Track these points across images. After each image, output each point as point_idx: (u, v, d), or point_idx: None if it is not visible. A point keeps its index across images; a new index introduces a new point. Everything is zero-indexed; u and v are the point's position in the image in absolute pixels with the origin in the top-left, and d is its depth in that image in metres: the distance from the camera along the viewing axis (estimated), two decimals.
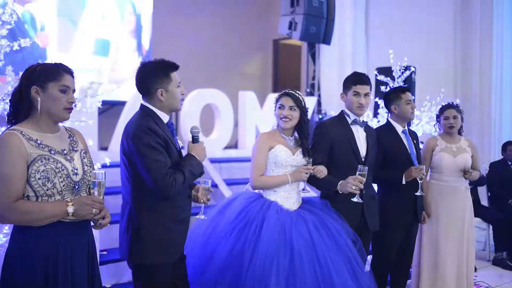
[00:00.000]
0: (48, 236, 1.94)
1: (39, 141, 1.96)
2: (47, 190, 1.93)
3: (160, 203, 2.36)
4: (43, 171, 1.91)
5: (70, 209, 1.92)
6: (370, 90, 3.17)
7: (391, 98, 3.54)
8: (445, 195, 3.74)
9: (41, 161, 1.92)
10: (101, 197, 1.99)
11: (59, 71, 2.03)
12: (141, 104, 2.47)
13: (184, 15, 9.05)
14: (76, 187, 2.02)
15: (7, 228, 3.23)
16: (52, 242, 1.94)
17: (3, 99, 3.25)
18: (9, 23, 3.28)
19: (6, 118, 2.06)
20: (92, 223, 2.05)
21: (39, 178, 1.91)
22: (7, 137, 1.91)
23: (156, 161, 2.28)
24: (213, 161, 5.86)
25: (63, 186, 1.96)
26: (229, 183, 5.58)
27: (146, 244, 2.36)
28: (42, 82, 1.99)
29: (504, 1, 7.82)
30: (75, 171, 2.02)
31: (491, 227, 5.47)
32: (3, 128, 3.21)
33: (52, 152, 1.98)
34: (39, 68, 2.01)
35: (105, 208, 2.01)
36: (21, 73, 2.07)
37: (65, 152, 2.03)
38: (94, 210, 1.95)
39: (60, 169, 1.96)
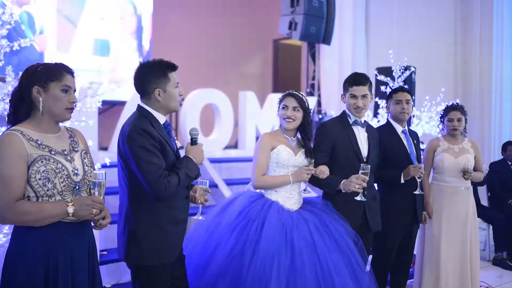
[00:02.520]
0: (48, 237, 1.93)
1: (39, 142, 1.96)
2: (47, 190, 1.92)
3: (157, 204, 2.35)
4: (43, 171, 1.91)
5: (70, 210, 1.91)
6: (370, 90, 3.16)
7: (387, 98, 3.61)
8: (446, 195, 3.74)
9: (42, 162, 1.92)
10: (101, 198, 1.99)
11: (60, 71, 2.03)
12: (138, 105, 2.46)
13: (184, 15, 9.05)
14: (77, 187, 2.02)
15: (7, 228, 3.23)
16: (53, 242, 1.94)
17: (3, 99, 3.25)
18: (9, 23, 3.27)
19: (6, 118, 2.05)
20: (92, 224, 2.04)
21: (39, 179, 1.91)
22: (7, 138, 1.90)
23: (150, 163, 2.27)
24: (213, 161, 5.86)
25: (64, 186, 1.96)
26: (229, 183, 5.58)
27: (143, 245, 2.35)
28: (44, 82, 1.98)
29: (504, 1, 7.82)
30: (76, 171, 2.01)
31: (491, 227, 5.46)
32: (3, 128, 3.21)
33: (53, 152, 1.97)
34: (40, 68, 2.00)
35: (106, 209, 2.01)
36: (21, 73, 2.06)
37: (65, 152, 2.02)
38: (94, 210, 1.94)
39: (61, 170, 1.95)
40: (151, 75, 2.40)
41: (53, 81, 1.99)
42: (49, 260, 1.94)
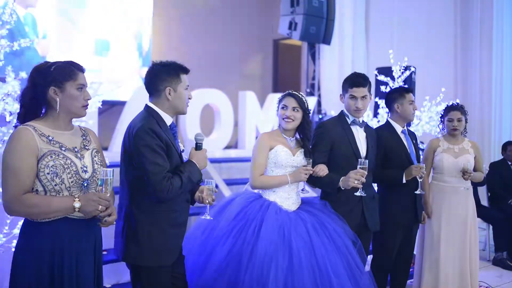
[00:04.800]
0: (54, 232, 1.98)
1: (50, 138, 2.01)
2: (55, 185, 1.97)
3: (158, 206, 2.36)
4: (52, 166, 1.96)
5: (77, 204, 1.96)
6: (369, 91, 3.15)
7: (394, 97, 3.54)
8: (446, 195, 3.74)
9: (51, 157, 1.97)
10: (108, 195, 2.03)
11: (74, 70, 2.08)
12: (146, 105, 2.48)
13: (184, 15, 9.05)
14: (85, 184, 2.06)
15: (7, 228, 3.23)
16: (59, 237, 1.99)
17: (3, 99, 3.24)
18: (9, 23, 3.27)
19: (17, 117, 2.09)
20: (98, 221, 2.07)
21: (48, 173, 1.95)
22: (20, 132, 1.96)
23: (155, 164, 2.28)
24: (213, 161, 5.86)
25: (71, 182, 2.00)
26: (229, 183, 5.58)
27: (143, 246, 2.36)
28: (60, 82, 2.03)
29: (504, 1, 7.81)
30: (85, 168, 2.06)
31: (491, 227, 5.46)
32: (4, 128, 3.22)
33: (63, 148, 2.02)
34: (54, 68, 2.04)
35: (112, 206, 2.06)
36: (30, 73, 2.08)
37: (76, 149, 2.07)
38: (100, 207, 1.98)
39: (69, 165, 2.00)
40: (164, 73, 2.43)
41: (68, 81, 2.05)
42: (55, 255, 1.98)
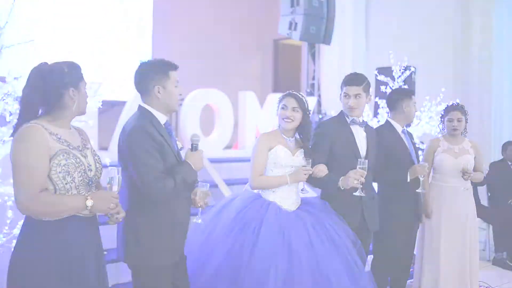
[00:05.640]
0: (61, 229, 1.98)
1: (58, 136, 2.01)
2: (66, 184, 1.97)
3: (157, 205, 2.35)
4: (64, 165, 1.96)
5: (89, 203, 1.96)
6: (366, 91, 3.14)
7: (402, 97, 3.55)
8: (446, 196, 3.74)
9: (63, 156, 1.97)
10: (118, 193, 2.06)
11: (81, 69, 2.10)
12: (139, 105, 2.47)
13: (184, 15, 9.05)
14: (90, 182, 2.07)
15: (7, 228, 3.23)
16: (65, 235, 1.99)
17: (3, 99, 3.24)
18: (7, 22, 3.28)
19: (17, 121, 2.05)
20: (108, 218, 2.10)
21: (59, 172, 1.95)
22: (31, 131, 1.95)
23: (147, 164, 2.27)
24: (213, 161, 5.86)
25: (80, 181, 2.02)
26: (229, 183, 5.57)
27: (143, 246, 2.36)
28: (76, 83, 2.06)
29: (504, 1, 7.81)
30: (90, 167, 2.08)
31: (491, 227, 5.46)
32: (4, 128, 3.22)
33: (71, 147, 2.03)
34: (68, 69, 2.04)
35: (119, 204, 2.08)
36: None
37: (79, 148, 2.08)
38: (111, 205, 2.00)
39: (79, 164, 2.01)
40: (152, 72, 2.42)
41: (81, 81, 2.09)
42: (61, 253, 1.97)
